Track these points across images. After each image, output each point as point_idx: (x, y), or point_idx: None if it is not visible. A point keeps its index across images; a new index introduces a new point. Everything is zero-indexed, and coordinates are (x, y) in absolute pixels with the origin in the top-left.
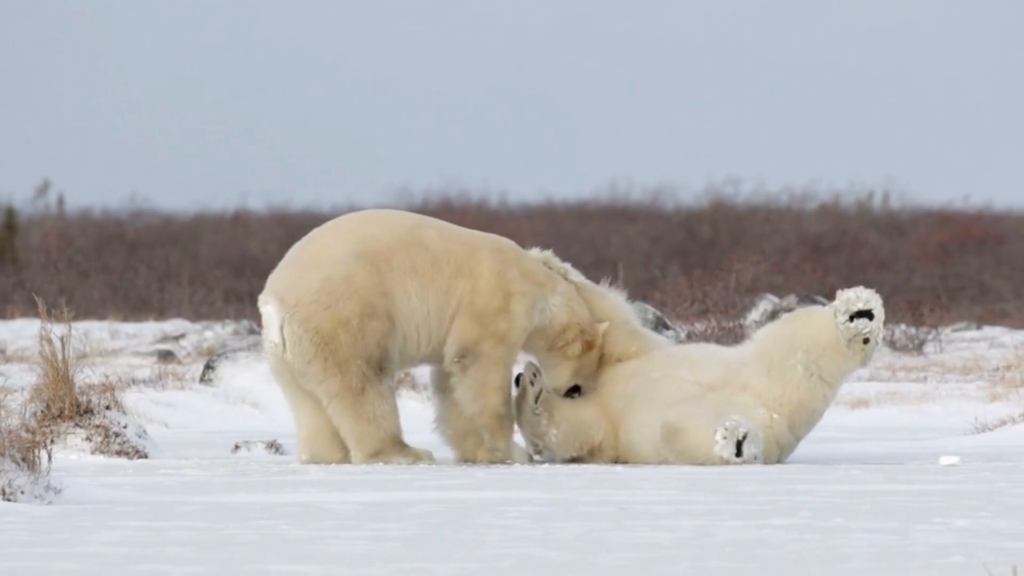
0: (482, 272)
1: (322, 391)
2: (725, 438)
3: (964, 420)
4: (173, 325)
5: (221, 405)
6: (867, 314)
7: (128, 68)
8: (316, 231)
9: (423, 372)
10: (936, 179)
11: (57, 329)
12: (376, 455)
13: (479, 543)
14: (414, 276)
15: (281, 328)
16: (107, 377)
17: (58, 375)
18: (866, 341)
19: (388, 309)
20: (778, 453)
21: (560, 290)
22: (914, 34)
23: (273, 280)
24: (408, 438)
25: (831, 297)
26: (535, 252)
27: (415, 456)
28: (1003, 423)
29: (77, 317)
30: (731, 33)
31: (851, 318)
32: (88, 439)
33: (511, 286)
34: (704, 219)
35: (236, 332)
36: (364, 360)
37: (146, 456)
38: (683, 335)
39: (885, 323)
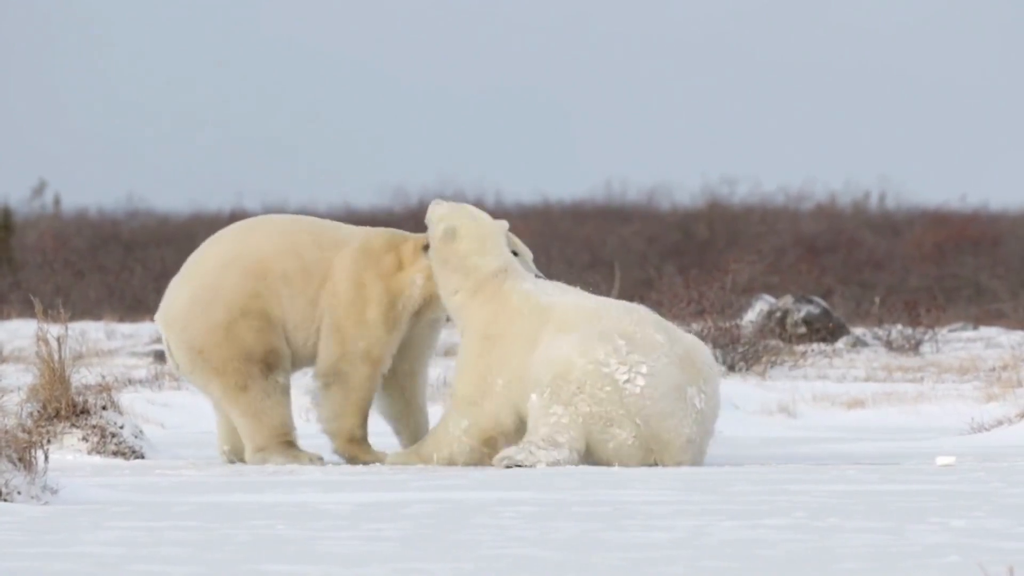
0: (340, 280)
1: (209, 395)
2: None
3: (960, 420)
4: None
5: None
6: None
7: (124, 68)
8: (202, 244)
9: None
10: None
11: (53, 329)
12: (261, 451)
13: (474, 543)
14: (286, 284)
15: (166, 343)
16: (103, 377)
17: (54, 375)
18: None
19: (263, 309)
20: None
21: (421, 266)
22: (910, 34)
23: (163, 297)
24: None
25: (827, 297)
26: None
27: (296, 457)
28: (999, 423)
29: (73, 317)
30: (727, 33)
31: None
32: (84, 439)
33: (367, 292)
34: (700, 219)
35: None
36: (242, 359)
37: (142, 456)
38: None
39: (882, 323)
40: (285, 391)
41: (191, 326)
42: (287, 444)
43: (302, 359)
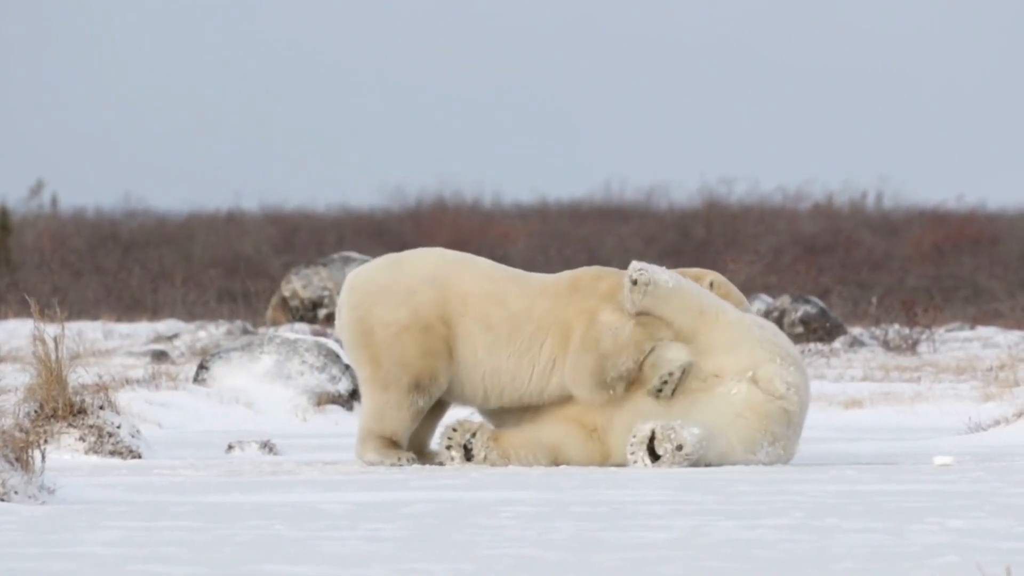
0: (572, 320)
1: (358, 373)
2: (634, 452)
3: (958, 420)
4: (167, 325)
5: (215, 405)
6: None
7: (122, 68)
8: (418, 249)
9: None
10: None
11: (51, 329)
12: (364, 440)
13: (473, 543)
14: (487, 331)
15: (342, 304)
16: (101, 377)
17: (52, 375)
18: (634, 282)
19: (445, 336)
20: (780, 405)
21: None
22: (908, 34)
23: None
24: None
25: (825, 297)
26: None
27: (390, 456)
28: (997, 423)
29: (71, 317)
30: (725, 34)
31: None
32: (82, 439)
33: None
34: (698, 219)
35: (230, 332)
36: (399, 365)
37: (140, 456)
38: None
39: (879, 323)
40: (417, 414)
41: (375, 306)
42: (389, 443)
43: (467, 401)
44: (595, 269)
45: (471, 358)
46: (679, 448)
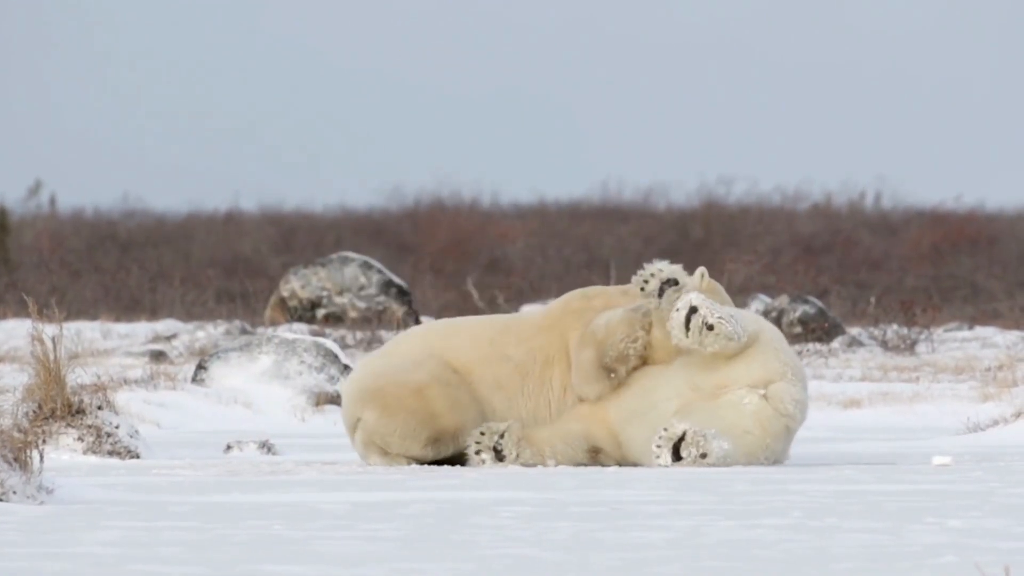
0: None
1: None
2: (660, 446)
3: (956, 420)
4: (165, 325)
5: (213, 405)
6: (693, 310)
7: (121, 69)
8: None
9: None
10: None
11: (49, 329)
12: (367, 444)
13: (472, 543)
14: (498, 389)
15: (347, 420)
16: (99, 377)
17: (50, 375)
18: (710, 327)
19: (468, 390)
20: (785, 423)
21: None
22: (906, 34)
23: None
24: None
25: (823, 298)
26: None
27: (394, 460)
28: (995, 423)
29: (69, 317)
30: (723, 33)
31: (687, 325)
32: (80, 439)
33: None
34: (696, 219)
35: (228, 332)
36: (420, 418)
37: (138, 456)
38: None
39: (878, 323)
40: (427, 459)
41: (385, 387)
42: (393, 455)
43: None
44: (580, 292)
45: (489, 416)
46: (703, 456)
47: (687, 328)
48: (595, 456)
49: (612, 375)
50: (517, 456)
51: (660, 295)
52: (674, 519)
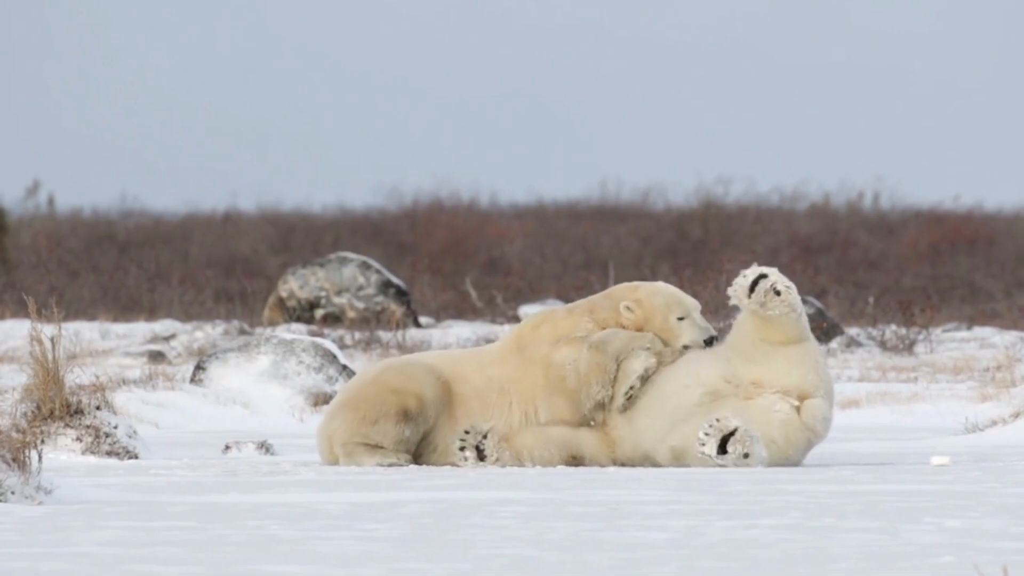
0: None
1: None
2: (708, 434)
3: (955, 420)
4: (163, 325)
5: (211, 405)
6: (762, 277)
7: (119, 69)
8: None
9: None
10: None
11: (47, 329)
12: (349, 453)
13: (470, 543)
14: (461, 404)
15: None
16: (97, 377)
17: (48, 375)
18: (777, 292)
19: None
20: (808, 437)
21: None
22: (904, 34)
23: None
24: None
25: (822, 298)
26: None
27: (384, 456)
28: (994, 423)
29: (67, 317)
30: (721, 34)
31: (752, 289)
32: (78, 439)
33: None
34: (694, 219)
35: (226, 332)
36: (387, 393)
37: (136, 456)
38: None
39: (876, 323)
40: (410, 442)
41: (358, 408)
42: (375, 447)
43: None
44: (530, 320)
45: (454, 430)
46: (745, 456)
47: (751, 291)
48: (575, 463)
49: (591, 422)
50: (497, 459)
51: (752, 292)
52: (672, 519)
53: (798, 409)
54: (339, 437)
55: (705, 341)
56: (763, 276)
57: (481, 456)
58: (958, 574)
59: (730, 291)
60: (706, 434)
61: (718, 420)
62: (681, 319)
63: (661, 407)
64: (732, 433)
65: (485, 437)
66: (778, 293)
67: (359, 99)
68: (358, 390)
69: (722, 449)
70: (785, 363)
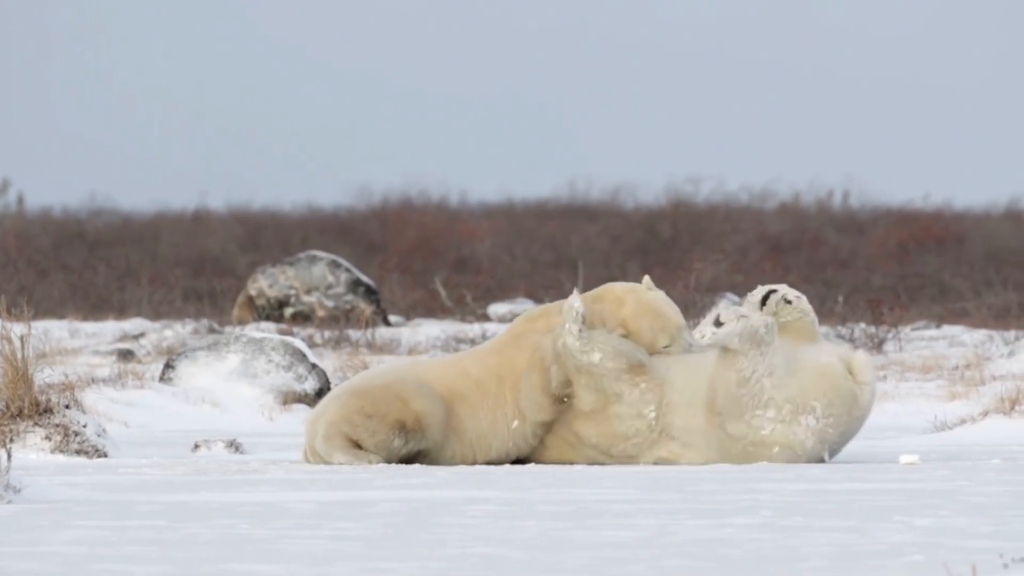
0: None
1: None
2: (748, 303)
3: (924, 419)
4: (133, 324)
5: (181, 404)
6: (772, 292)
7: (88, 68)
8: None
9: None
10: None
11: (16, 328)
12: (330, 439)
13: (440, 543)
14: (462, 402)
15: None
16: (67, 376)
17: (17, 374)
18: (788, 301)
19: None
20: (851, 398)
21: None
22: (873, 34)
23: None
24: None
25: None
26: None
27: (357, 457)
28: (963, 422)
29: (36, 316)
30: (690, 33)
31: (763, 303)
32: (47, 438)
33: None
34: (664, 218)
35: (196, 331)
36: (389, 400)
37: (106, 455)
38: None
39: (845, 322)
40: (394, 453)
41: (356, 401)
42: (355, 444)
43: (467, 461)
44: (526, 313)
45: (456, 428)
46: (788, 302)
47: (763, 305)
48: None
49: (560, 403)
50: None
51: (763, 305)
52: (642, 518)
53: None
54: (330, 417)
55: None
56: (772, 291)
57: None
58: (928, 573)
59: (743, 307)
60: (747, 304)
61: (753, 296)
62: (667, 347)
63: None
64: (772, 291)
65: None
66: (788, 302)
67: (328, 98)
68: (368, 383)
69: (718, 323)
70: (815, 345)
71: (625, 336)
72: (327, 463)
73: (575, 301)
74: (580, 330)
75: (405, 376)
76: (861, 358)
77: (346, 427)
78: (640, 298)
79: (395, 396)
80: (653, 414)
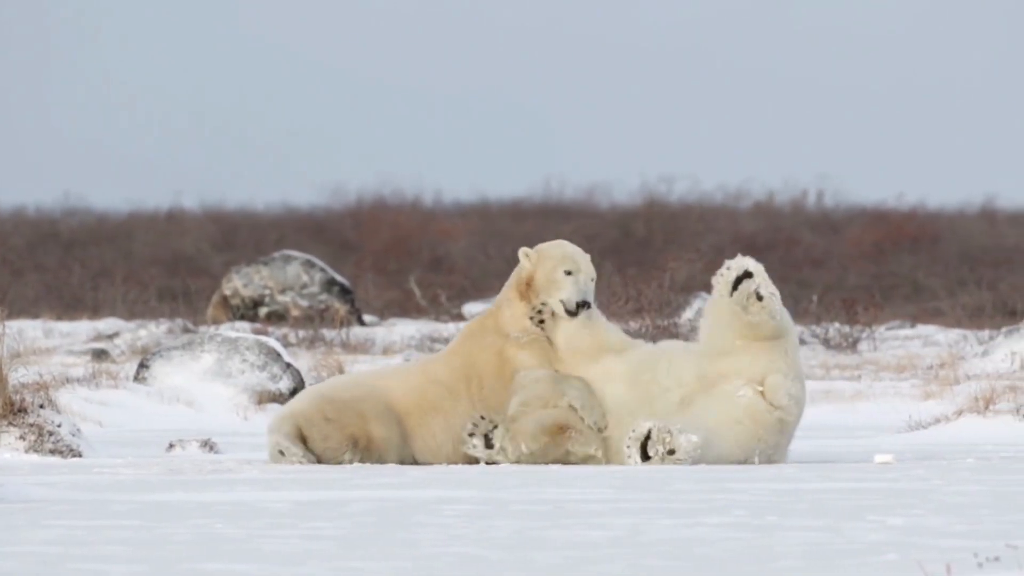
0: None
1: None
2: (629, 447)
3: (898, 418)
4: (107, 324)
5: (155, 404)
6: (746, 275)
7: (61, 67)
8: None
9: None
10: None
11: None
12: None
13: (414, 542)
14: (436, 413)
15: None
16: (41, 376)
17: None
18: (759, 297)
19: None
20: (778, 416)
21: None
22: (847, 35)
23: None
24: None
25: None
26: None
27: (302, 456)
28: (937, 421)
29: (10, 315)
30: (665, 33)
31: (735, 287)
32: (22, 438)
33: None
34: (638, 217)
35: (170, 331)
36: (352, 430)
37: (80, 455)
38: None
39: (820, 321)
40: (339, 463)
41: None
42: (303, 443)
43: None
44: (477, 318)
45: (432, 443)
46: (671, 452)
47: (733, 288)
48: (562, 434)
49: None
50: (501, 449)
51: (735, 289)
52: (616, 517)
53: (763, 393)
54: (295, 408)
55: (577, 303)
56: (748, 275)
57: (489, 444)
58: (902, 572)
59: (714, 280)
60: (628, 447)
61: (634, 430)
62: (568, 274)
63: (646, 411)
64: (648, 437)
65: (495, 428)
66: (760, 299)
67: (302, 97)
68: (337, 392)
69: (645, 455)
70: (757, 353)
71: (533, 261)
72: (269, 441)
73: (468, 425)
74: (485, 444)
75: (375, 393)
76: (771, 383)
77: (302, 421)
78: (562, 241)
79: (357, 413)
80: (600, 451)
